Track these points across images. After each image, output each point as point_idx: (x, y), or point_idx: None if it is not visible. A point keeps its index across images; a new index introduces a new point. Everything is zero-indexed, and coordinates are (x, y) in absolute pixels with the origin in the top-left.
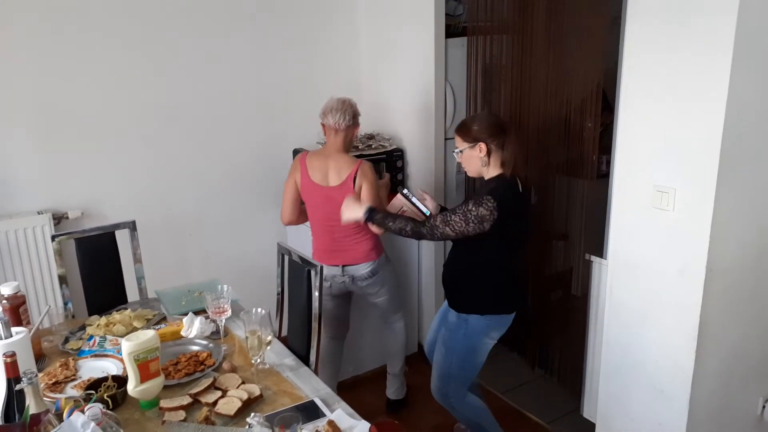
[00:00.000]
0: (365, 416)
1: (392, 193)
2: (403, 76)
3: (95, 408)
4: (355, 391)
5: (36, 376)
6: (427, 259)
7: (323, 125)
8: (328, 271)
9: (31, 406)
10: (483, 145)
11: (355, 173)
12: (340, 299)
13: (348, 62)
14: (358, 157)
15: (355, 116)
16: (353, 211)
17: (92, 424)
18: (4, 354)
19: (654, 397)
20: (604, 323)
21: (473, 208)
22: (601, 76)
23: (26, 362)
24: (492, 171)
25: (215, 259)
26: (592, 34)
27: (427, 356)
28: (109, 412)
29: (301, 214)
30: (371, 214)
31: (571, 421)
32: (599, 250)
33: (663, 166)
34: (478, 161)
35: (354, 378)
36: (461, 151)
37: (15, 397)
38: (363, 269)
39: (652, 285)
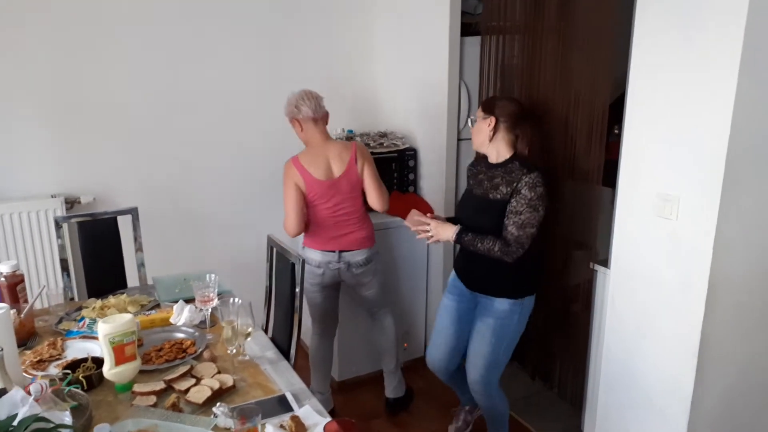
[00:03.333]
0: (364, 417)
1: (398, 192)
2: (418, 74)
3: (36, 384)
4: (356, 391)
5: (1, 350)
6: (435, 263)
7: (298, 120)
8: (322, 257)
9: None
10: (493, 119)
11: (355, 154)
12: (329, 291)
13: (363, 58)
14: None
15: (322, 102)
16: (446, 232)
17: (30, 399)
18: None
19: (652, 416)
20: (604, 336)
21: (533, 195)
22: (609, 84)
23: (4, 337)
24: (504, 152)
25: (223, 250)
26: (603, 37)
27: (435, 371)
28: (78, 391)
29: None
30: (461, 235)
31: None
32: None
33: (668, 173)
34: (485, 134)
35: (355, 378)
36: (475, 120)
37: None
38: (359, 256)
39: (653, 296)
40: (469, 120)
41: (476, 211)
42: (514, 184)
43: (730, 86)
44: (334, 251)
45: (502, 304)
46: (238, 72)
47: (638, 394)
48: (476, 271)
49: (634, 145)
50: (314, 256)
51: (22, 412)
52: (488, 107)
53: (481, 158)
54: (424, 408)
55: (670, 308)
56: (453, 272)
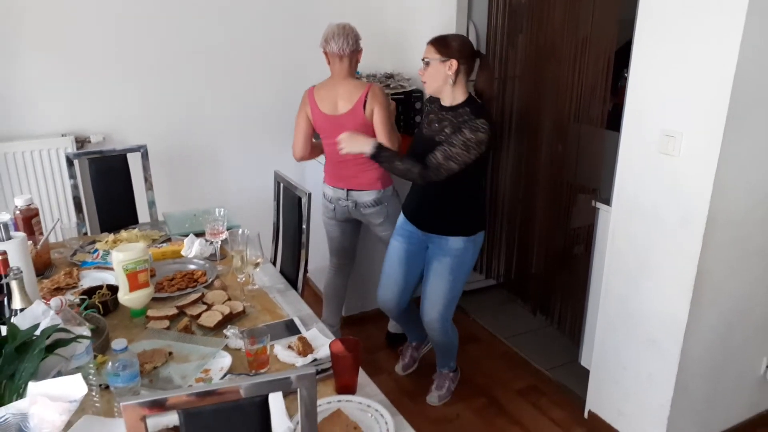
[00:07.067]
0: (368, 349)
1: (406, 135)
2: (426, 14)
3: (56, 299)
4: (361, 326)
5: (20, 272)
6: None
7: (326, 53)
8: (333, 193)
9: (17, 300)
10: (454, 62)
11: (365, 96)
12: (345, 226)
13: None
14: None
15: (357, 40)
16: (359, 145)
17: (51, 312)
18: None
19: (646, 346)
20: (603, 272)
21: (471, 136)
22: (617, 26)
23: (22, 263)
24: (459, 95)
25: (232, 189)
26: None
27: (386, 310)
28: (95, 315)
29: (313, 149)
30: (379, 151)
31: (569, 370)
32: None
33: (672, 110)
34: (443, 78)
35: (361, 314)
36: (429, 63)
37: (6, 292)
38: (367, 197)
39: (653, 232)
40: (423, 62)
41: (422, 152)
42: (459, 127)
43: (738, 27)
44: (342, 188)
45: (456, 242)
46: (249, 13)
47: (634, 327)
48: (428, 213)
49: (640, 82)
50: (327, 190)
51: (44, 323)
52: (445, 49)
53: (435, 98)
54: None
55: (669, 244)
56: (401, 215)
